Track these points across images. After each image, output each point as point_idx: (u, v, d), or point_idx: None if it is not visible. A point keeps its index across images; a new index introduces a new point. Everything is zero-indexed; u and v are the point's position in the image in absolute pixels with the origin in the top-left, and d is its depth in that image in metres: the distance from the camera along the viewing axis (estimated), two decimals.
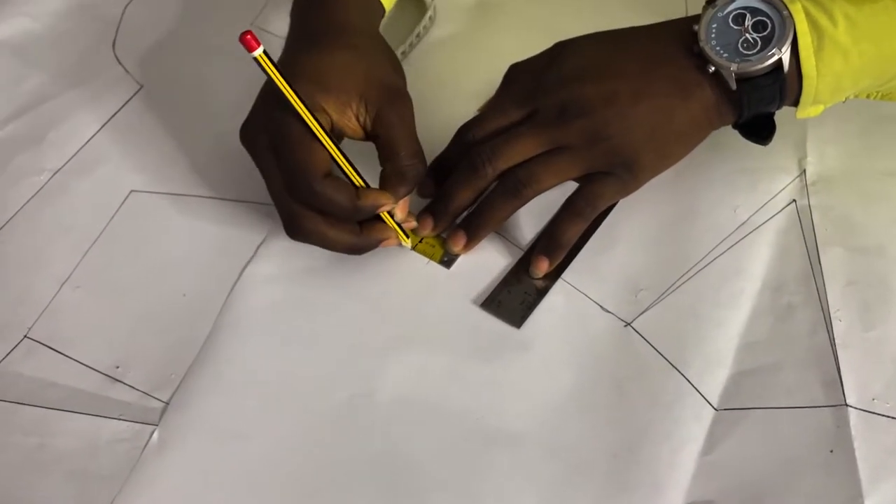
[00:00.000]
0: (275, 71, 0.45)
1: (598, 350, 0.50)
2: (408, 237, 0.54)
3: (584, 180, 0.52)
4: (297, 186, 0.48)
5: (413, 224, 0.54)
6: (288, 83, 0.46)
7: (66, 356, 0.51)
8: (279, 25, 0.66)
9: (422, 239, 0.55)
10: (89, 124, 0.62)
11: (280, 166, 0.49)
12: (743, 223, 0.54)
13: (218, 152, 0.60)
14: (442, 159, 0.55)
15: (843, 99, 0.51)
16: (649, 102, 0.50)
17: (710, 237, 0.54)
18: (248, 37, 0.43)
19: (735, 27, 0.49)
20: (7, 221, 0.58)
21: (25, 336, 0.52)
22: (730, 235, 0.54)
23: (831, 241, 0.53)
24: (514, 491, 0.46)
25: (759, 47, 0.48)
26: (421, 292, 0.53)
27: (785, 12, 0.48)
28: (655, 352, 0.50)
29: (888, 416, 0.47)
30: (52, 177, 0.60)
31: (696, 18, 0.50)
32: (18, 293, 0.54)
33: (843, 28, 0.47)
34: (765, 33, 0.48)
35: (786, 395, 0.48)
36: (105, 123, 0.62)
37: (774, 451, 0.46)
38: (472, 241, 0.54)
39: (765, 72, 0.48)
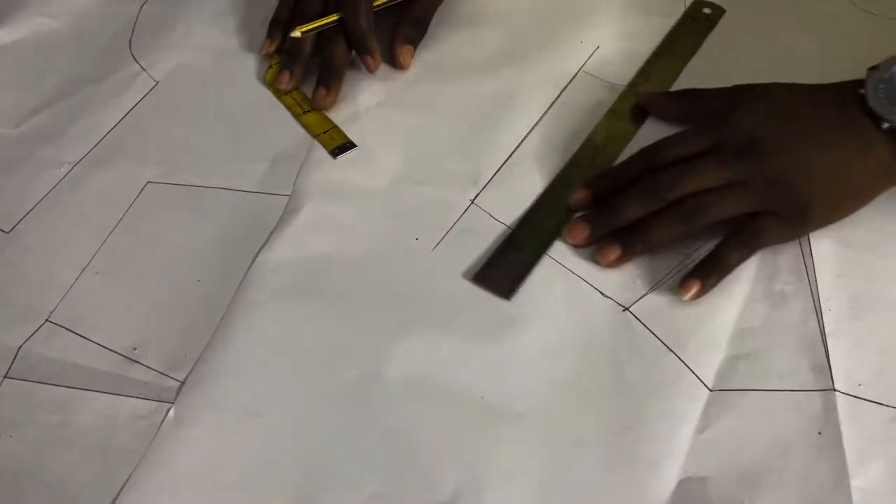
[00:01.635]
0: None
1: (597, 333, 0.52)
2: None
3: (754, 215, 0.53)
4: None
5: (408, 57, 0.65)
6: None
7: (86, 339, 0.53)
8: None
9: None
10: (107, 119, 0.64)
11: None
12: None
13: (230, 146, 0.62)
14: (613, 175, 0.56)
15: None
16: (831, 154, 0.52)
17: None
18: None
19: None
20: (29, 210, 0.59)
21: (47, 320, 0.54)
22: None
23: (823, 235, 0.54)
24: (517, 466, 0.47)
25: None
26: (420, 275, 0.55)
27: None
28: (653, 335, 0.51)
29: (874, 402, 0.48)
30: (71, 169, 0.61)
31: (860, 83, 0.52)
32: (40, 278, 0.56)
33: None
34: None
35: (777, 378, 0.49)
36: (122, 118, 0.64)
37: (766, 432, 0.48)
38: (626, 257, 0.53)
39: None
